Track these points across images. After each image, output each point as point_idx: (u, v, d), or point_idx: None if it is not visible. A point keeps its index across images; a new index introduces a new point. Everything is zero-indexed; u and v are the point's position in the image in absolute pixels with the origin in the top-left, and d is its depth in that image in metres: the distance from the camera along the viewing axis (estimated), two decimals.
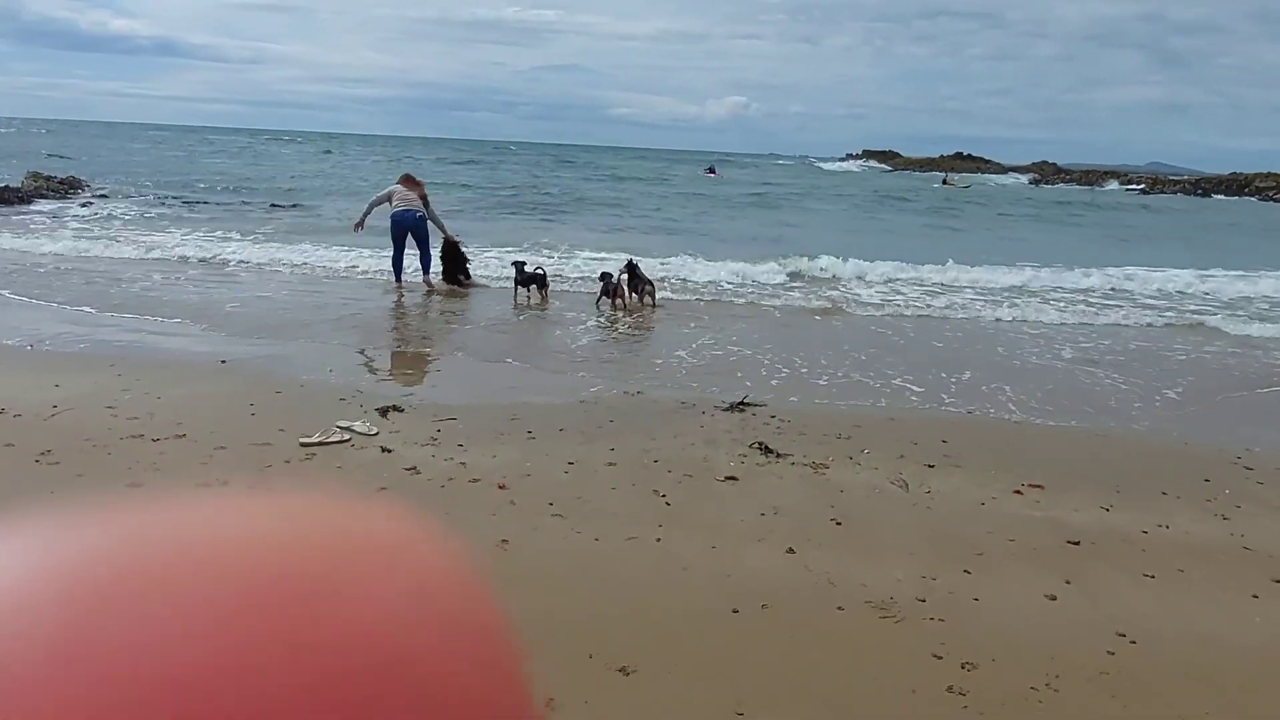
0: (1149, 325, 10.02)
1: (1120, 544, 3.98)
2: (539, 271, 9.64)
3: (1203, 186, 64.17)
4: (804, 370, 7.08)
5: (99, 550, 0.17)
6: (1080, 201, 40.70)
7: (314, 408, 5.31)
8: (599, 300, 9.23)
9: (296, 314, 8.39)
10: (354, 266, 11.11)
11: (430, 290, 10.00)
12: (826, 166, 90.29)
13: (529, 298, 9.47)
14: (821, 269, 12.25)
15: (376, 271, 10.78)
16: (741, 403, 5.78)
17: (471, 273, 10.58)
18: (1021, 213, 32.31)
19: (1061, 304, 10.99)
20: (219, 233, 13.73)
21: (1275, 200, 56.28)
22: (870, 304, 10.46)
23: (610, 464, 4.66)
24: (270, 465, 4.42)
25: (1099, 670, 2.92)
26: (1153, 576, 3.67)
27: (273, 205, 19.19)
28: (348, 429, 4.97)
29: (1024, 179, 77.83)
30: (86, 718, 0.15)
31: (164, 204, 18.29)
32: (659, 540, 3.75)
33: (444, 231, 10.33)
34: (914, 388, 6.65)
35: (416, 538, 0.20)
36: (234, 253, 11.72)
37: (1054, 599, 3.42)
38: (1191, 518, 4.33)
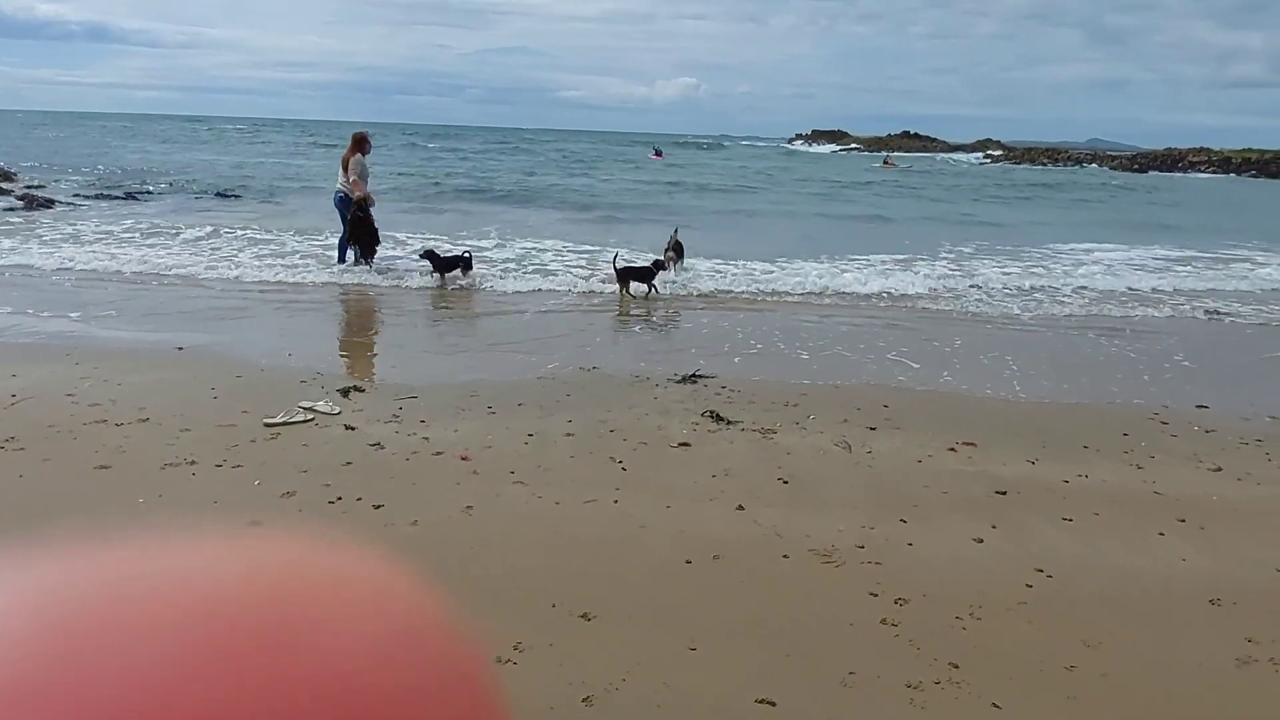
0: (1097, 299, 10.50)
1: (1043, 492, 4.30)
2: (465, 254, 9.84)
3: (1139, 162, 66.09)
4: (758, 346, 7.34)
5: (69, 590, 0.17)
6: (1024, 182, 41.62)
7: (276, 390, 5.41)
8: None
9: (247, 301, 8.41)
10: (295, 252, 11.09)
11: (367, 267, 10.01)
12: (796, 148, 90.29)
13: (453, 280, 9.52)
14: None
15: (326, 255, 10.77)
16: (693, 375, 6.01)
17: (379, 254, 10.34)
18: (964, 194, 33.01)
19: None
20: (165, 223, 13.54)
21: (1204, 172, 58.22)
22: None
23: (569, 434, 4.86)
24: (236, 445, 4.53)
25: (1018, 601, 3.21)
26: (1071, 520, 3.99)
27: (218, 194, 18.89)
28: (311, 409, 5.09)
29: (972, 158, 78.86)
30: None
31: (109, 197, 17.87)
32: (616, 502, 3.97)
33: (353, 194, 9.84)
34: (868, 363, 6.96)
35: (391, 582, 0.20)
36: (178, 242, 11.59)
37: (981, 542, 3.72)
38: (1109, 468, 4.68)
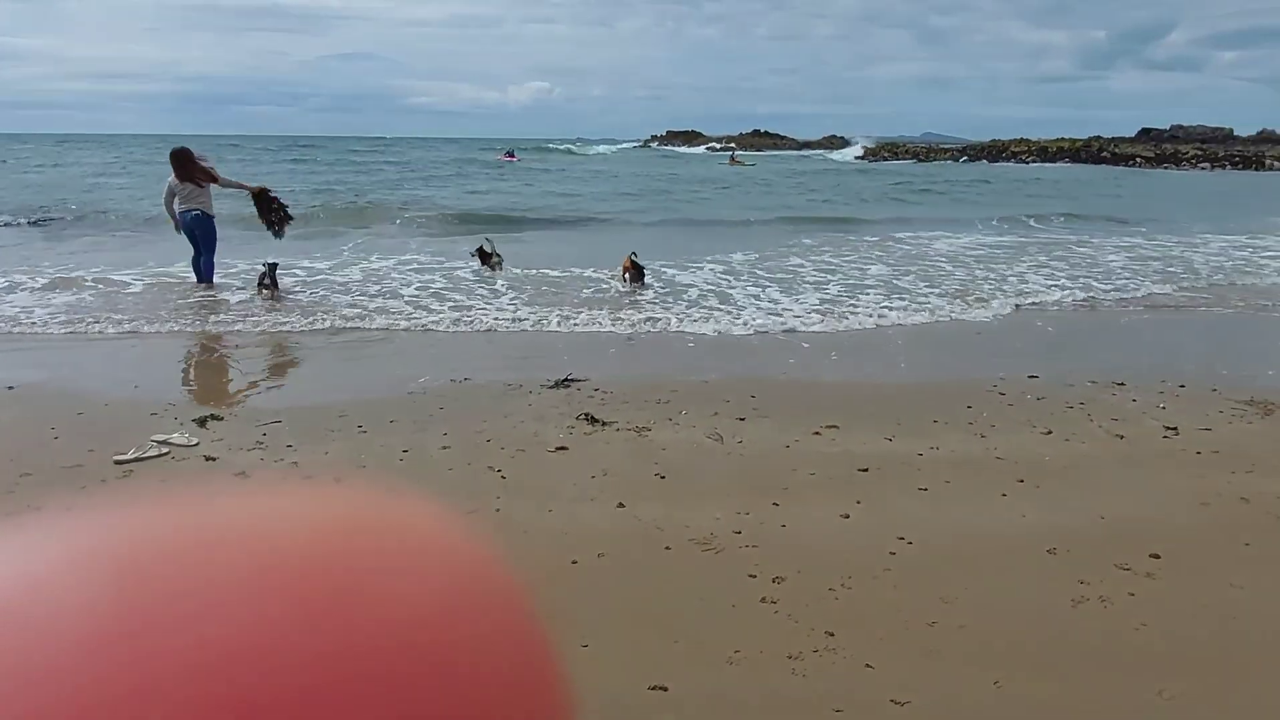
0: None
1: (900, 466, 4.61)
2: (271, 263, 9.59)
3: (969, 153, 71.04)
4: (630, 345, 7.47)
5: (111, 545, 0.17)
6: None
7: (124, 425, 5.09)
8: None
9: (89, 330, 7.83)
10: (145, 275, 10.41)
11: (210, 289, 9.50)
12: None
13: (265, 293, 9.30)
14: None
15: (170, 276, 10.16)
16: (565, 380, 6.06)
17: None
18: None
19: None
20: None
21: (1025, 162, 63.20)
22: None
23: (444, 448, 4.81)
24: (85, 486, 4.25)
25: (883, 568, 3.45)
26: (926, 489, 4.30)
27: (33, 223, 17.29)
28: (165, 442, 4.82)
29: (842, 154, 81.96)
30: (100, 710, 0.15)
31: None
32: (498, 510, 3.98)
33: (247, 188, 10.08)
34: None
35: (441, 527, 0.19)
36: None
37: (847, 517, 3.96)
38: (956, 439, 5.06)
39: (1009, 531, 3.83)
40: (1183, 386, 6.14)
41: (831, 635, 2.93)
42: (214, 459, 4.65)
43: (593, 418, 5.22)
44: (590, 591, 3.22)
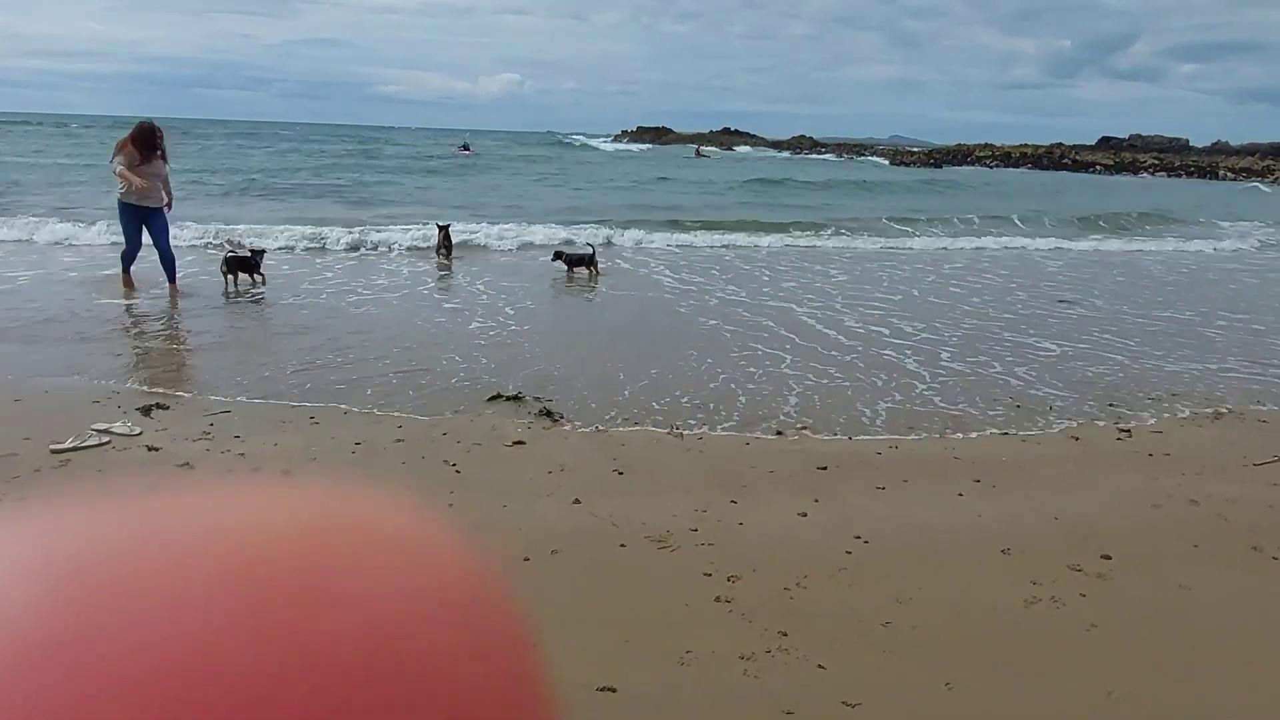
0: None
1: (859, 465, 4.60)
2: (251, 252, 9.07)
3: (935, 157, 71.84)
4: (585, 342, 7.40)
5: (93, 542, 0.17)
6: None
7: (64, 413, 4.91)
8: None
9: (21, 316, 7.56)
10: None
11: (174, 297, 8.37)
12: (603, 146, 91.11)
13: (237, 282, 8.84)
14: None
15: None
16: (515, 396, 5.50)
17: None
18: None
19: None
20: None
21: (989, 166, 64.09)
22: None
23: (399, 440, 4.71)
24: (18, 476, 4.08)
25: (839, 567, 3.43)
26: (884, 488, 4.30)
27: None
28: (106, 431, 4.66)
29: (778, 153, 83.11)
30: (78, 712, 0.15)
31: None
32: (451, 505, 3.89)
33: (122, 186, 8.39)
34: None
35: (426, 527, 0.19)
36: None
37: (805, 515, 3.93)
38: (916, 438, 5.07)
39: (964, 531, 3.83)
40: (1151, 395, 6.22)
41: (785, 635, 2.89)
42: (157, 449, 4.50)
43: (550, 413, 5.14)
44: (542, 590, 3.15)
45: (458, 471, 4.31)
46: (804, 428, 5.18)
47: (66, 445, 4.44)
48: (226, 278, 8.81)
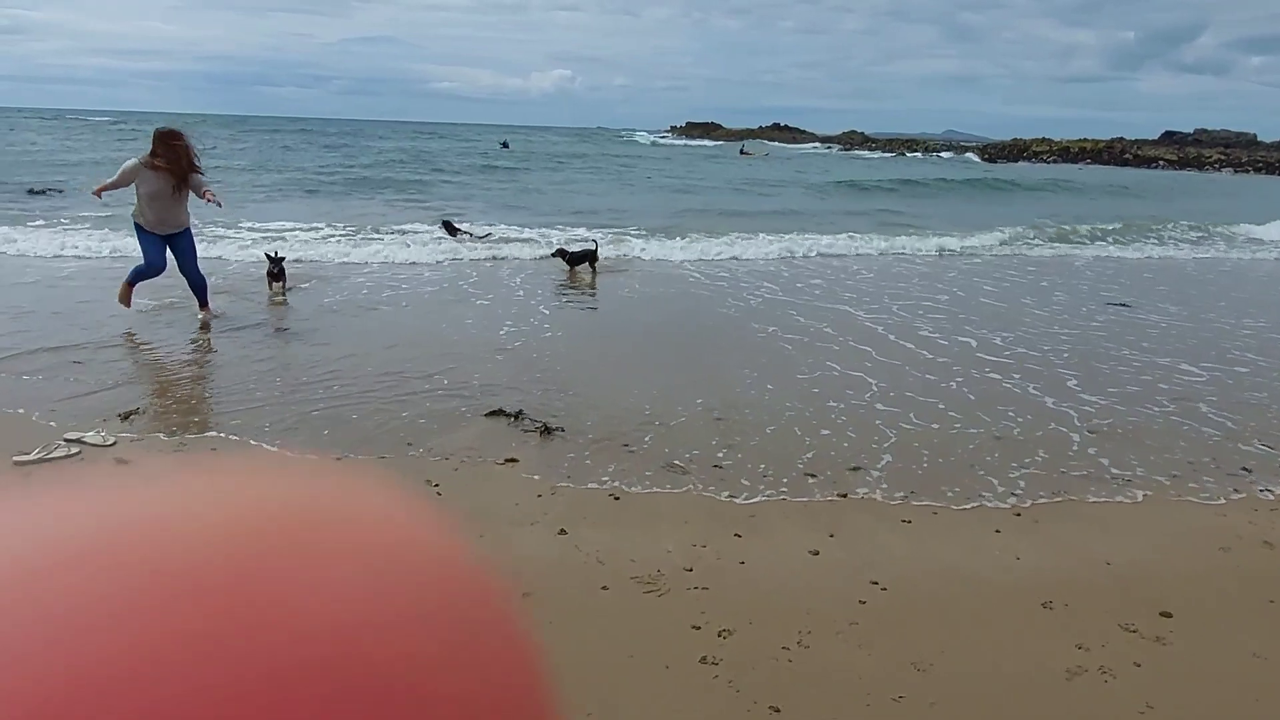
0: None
1: (883, 493, 4.13)
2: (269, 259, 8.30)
3: (989, 153, 70.00)
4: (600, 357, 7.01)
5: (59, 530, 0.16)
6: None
7: (35, 420, 4.67)
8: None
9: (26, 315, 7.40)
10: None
11: (206, 320, 7.12)
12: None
13: (279, 288, 8.19)
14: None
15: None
16: (518, 414, 4.97)
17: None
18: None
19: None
20: None
21: (1047, 161, 62.19)
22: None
23: (381, 457, 4.38)
24: None
25: (849, 621, 2.98)
26: (909, 521, 3.83)
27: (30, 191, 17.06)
28: (77, 440, 4.41)
29: (824, 147, 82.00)
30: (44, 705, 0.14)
31: None
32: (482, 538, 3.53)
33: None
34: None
35: (404, 509, 0.18)
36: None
37: (816, 554, 3.49)
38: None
39: (999, 578, 3.35)
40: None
41: (776, 711, 2.47)
42: (126, 462, 4.22)
43: (548, 429, 4.75)
44: None
45: (439, 493, 3.95)
46: (905, 496, 4.10)
47: (31, 457, 4.19)
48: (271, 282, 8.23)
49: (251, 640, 0.15)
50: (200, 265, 7.33)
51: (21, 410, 4.83)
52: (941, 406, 5.48)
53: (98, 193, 7.03)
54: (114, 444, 4.44)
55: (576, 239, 11.82)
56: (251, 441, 4.52)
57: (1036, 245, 14.58)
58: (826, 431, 4.94)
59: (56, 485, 0.17)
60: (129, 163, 6.90)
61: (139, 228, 7.06)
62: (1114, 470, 4.50)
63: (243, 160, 29.10)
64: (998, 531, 3.77)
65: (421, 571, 0.17)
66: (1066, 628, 3.00)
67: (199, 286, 7.21)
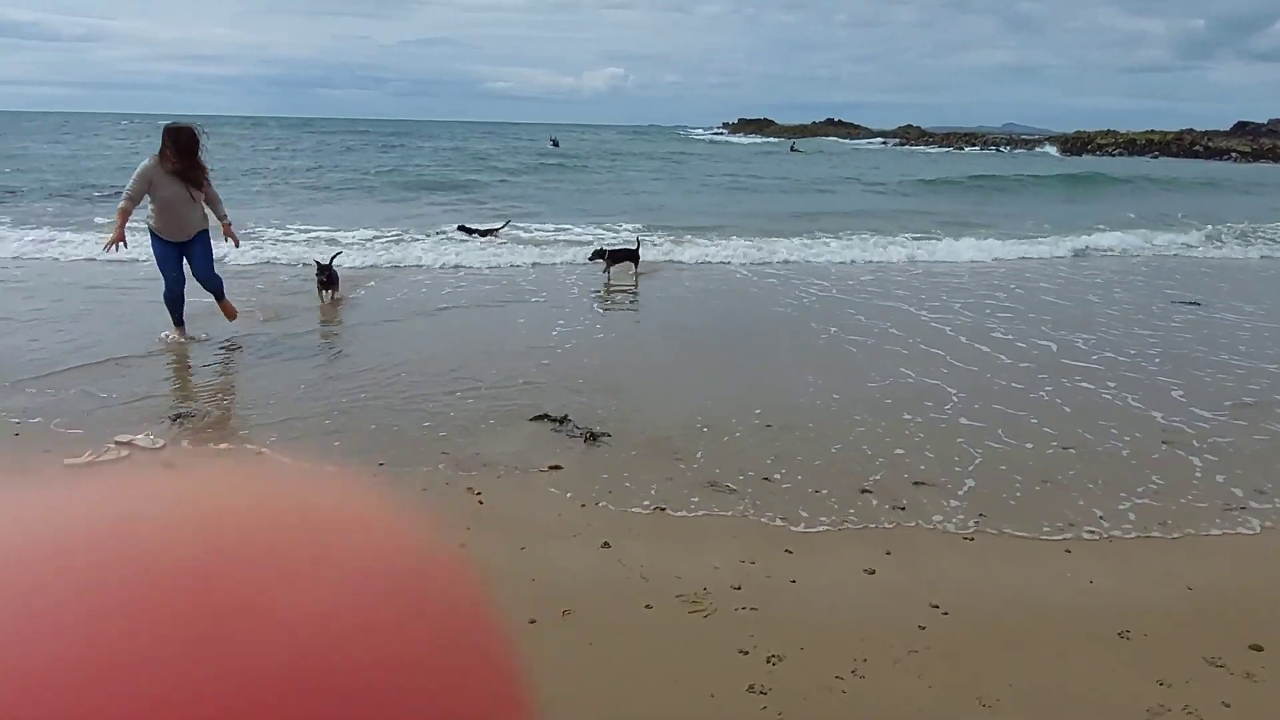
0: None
1: (943, 505, 3.92)
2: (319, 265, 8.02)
3: (1070, 144, 67.79)
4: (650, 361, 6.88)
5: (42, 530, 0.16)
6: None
7: (92, 418, 4.72)
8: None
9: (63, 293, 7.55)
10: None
11: (229, 314, 6.83)
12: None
13: (329, 296, 7.95)
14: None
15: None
16: (563, 419, 4.84)
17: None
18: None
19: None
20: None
21: (1111, 154, 60.16)
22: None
23: (425, 468, 4.31)
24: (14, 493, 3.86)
25: (908, 648, 2.80)
26: (972, 538, 3.63)
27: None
28: (128, 443, 4.43)
29: (880, 142, 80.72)
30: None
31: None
32: (463, 545, 3.43)
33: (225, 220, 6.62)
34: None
35: (383, 514, 0.18)
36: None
37: (872, 573, 3.31)
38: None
39: (1071, 603, 3.13)
40: None
41: None
42: (173, 465, 4.22)
43: (594, 435, 4.63)
44: (539, 665, 2.64)
45: (481, 502, 3.86)
46: (995, 531, 3.69)
47: (83, 459, 4.22)
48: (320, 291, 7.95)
49: (235, 638, 0.15)
50: (237, 269, 7.39)
51: (80, 412, 4.89)
52: (1034, 421, 5.11)
53: (122, 227, 6.28)
54: (163, 447, 4.46)
55: (608, 242, 11.53)
56: (292, 448, 4.49)
57: (1217, 246, 13.74)
58: (900, 450, 4.62)
59: (91, 487, 0.17)
60: (143, 164, 6.32)
61: (154, 235, 6.46)
62: (1251, 502, 4.04)
63: (302, 161, 29.71)
64: (1068, 551, 3.55)
65: (407, 576, 0.17)
66: (1146, 661, 2.77)
67: (214, 289, 6.71)
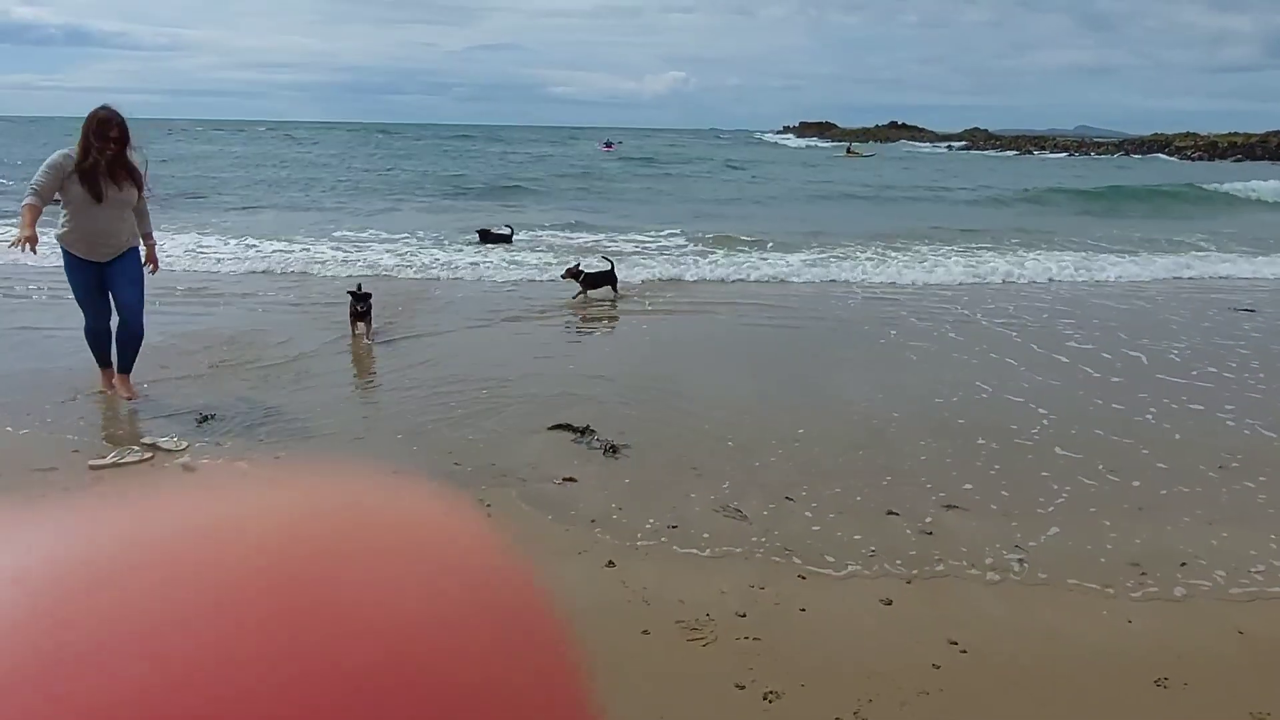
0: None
1: (973, 534, 3.70)
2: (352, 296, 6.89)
3: (1126, 148, 65.69)
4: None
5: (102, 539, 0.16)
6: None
7: (120, 419, 4.79)
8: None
9: None
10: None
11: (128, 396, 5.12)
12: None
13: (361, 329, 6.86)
14: None
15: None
16: (585, 429, 4.73)
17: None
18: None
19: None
20: None
21: (1191, 158, 57.78)
22: None
23: (446, 473, 4.24)
24: (44, 496, 3.87)
25: (919, 690, 2.61)
26: (998, 577, 3.40)
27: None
28: (151, 445, 4.47)
29: (943, 146, 78.97)
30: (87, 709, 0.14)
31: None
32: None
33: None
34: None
35: (454, 520, 0.19)
36: None
37: (889, 604, 3.12)
38: None
39: (1105, 646, 2.89)
40: None
41: None
42: (194, 469, 4.24)
43: (614, 447, 4.51)
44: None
45: (489, 514, 3.77)
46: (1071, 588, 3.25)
47: (106, 461, 4.27)
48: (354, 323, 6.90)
49: (296, 641, 0.15)
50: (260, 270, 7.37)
51: (115, 414, 4.97)
52: (1146, 453, 4.56)
53: (29, 233, 4.62)
54: (185, 448, 4.48)
55: (637, 253, 11.36)
56: (312, 452, 4.48)
57: None
58: (969, 485, 4.20)
59: (112, 490, 0.17)
60: (56, 156, 4.76)
61: (66, 256, 4.90)
62: None
63: (366, 165, 30.35)
64: (1107, 587, 3.30)
65: (468, 576, 0.17)
66: (1183, 713, 2.54)
67: (131, 336, 5.08)
